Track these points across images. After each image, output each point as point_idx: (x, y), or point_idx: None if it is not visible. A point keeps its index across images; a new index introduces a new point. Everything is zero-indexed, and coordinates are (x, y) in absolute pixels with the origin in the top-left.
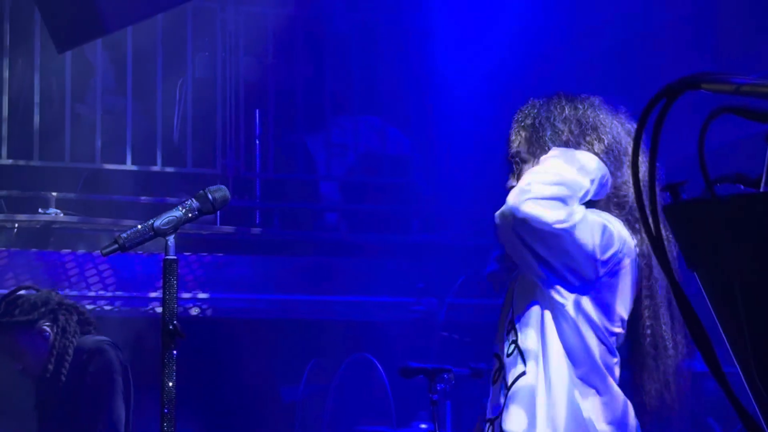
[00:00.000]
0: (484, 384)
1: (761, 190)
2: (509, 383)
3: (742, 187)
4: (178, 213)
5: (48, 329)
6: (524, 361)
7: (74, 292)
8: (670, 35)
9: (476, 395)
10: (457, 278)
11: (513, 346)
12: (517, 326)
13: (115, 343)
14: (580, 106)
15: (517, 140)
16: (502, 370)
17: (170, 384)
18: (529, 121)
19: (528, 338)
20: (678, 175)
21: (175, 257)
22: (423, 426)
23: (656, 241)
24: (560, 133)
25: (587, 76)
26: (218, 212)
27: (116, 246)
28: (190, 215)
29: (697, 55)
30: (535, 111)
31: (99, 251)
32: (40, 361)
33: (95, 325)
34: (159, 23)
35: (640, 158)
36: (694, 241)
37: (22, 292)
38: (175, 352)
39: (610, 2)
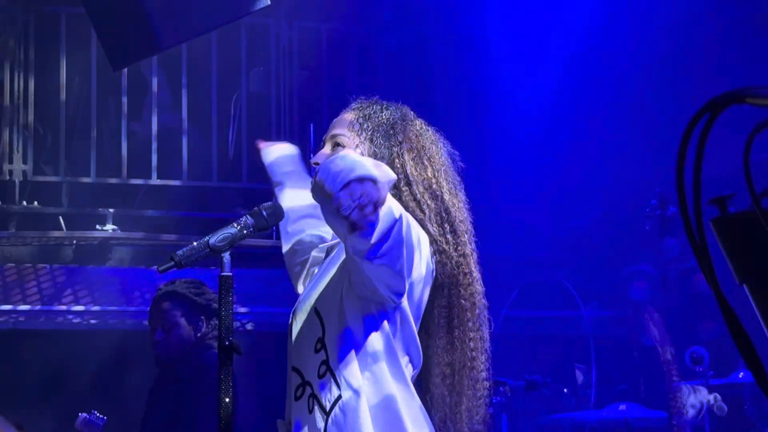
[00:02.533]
0: (540, 396)
1: None
2: (327, 408)
3: None
4: (233, 230)
5: (203, 324)
6: (338, 385)
7: (132, 308)
8: (728, 40)
9: (532, 407)
10: (512, 290)
11: (324, 367)
12: (328, 346)
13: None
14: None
15: (345, 122)
16: (309, 389)
17: (227, 400)
18: (369, 114)
19: (339, 357)
20: (723, 189)
21: (230, 274)
22: None
23: (702, 254)
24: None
25: (645, 86)
26: (275, 227)
27: (173, 263)
28: (245, 232)
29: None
30: (385, 112)
31: (156, 268)
32: (178, 343)
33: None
34: (213, 39)
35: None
36: (742, 254)
37: None
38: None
39: (667, 10)
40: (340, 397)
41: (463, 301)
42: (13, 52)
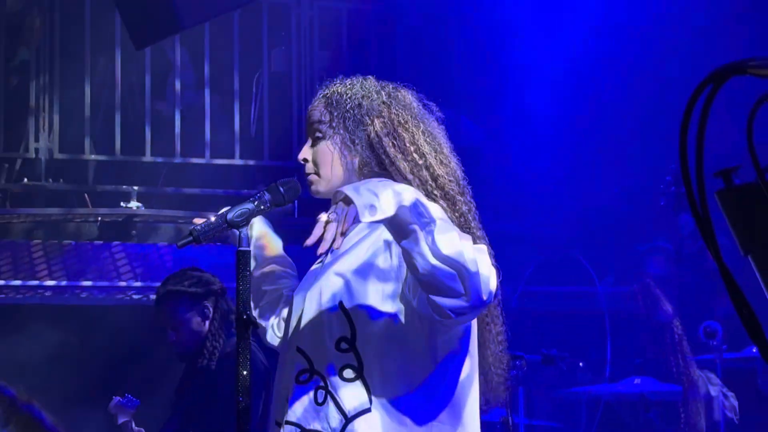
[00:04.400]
0: (556, 370)
1: None
2: (348, 414)
3: None
4: (250, 205)
5: (210, 308)
6: (369, 397)
7: (156, 283)
8: (748, 19)
9: (548, 381)
10: (528, 266)
11: (353, 373)
12: (362, 354)
13: (258, 345)
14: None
15: (318, 112)
16: (320, 380)
17: (244, 373)
18: (337, 100)
19: (380, 373)
20: (730, 162)
21: (248, 249)
22: (500, 411)
23: (704, 225)
24: (367, 125)
25: (659, 66)
26: (296, 204)
27: (191, 239)
28: (262, 207)
29: None
30: (350, 92)
31: (176, 244)
32: (193, 338)
33: None
34: (235, 19)
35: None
36: (747, 225)
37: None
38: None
39: None
40: (368, 410)
41: None
42: (39, 33)
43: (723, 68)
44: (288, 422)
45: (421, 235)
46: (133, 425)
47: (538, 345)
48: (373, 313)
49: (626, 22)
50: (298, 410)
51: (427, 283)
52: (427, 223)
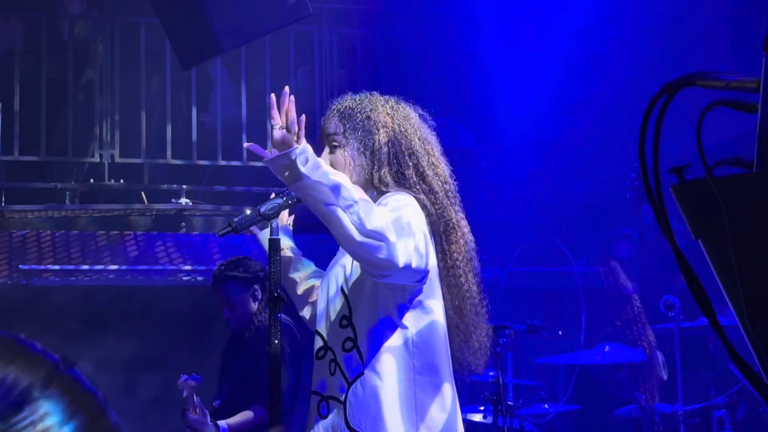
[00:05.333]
0: (539, 338)
1: (754, 171)
2: (350, 379)
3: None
4: (279, 201)
5: (259, 291)
6: (363, 362)
7: (201, 267)
8: (700, 42)
9: (531, 347)
10: (515, 250)
11: (351, 344)
12: (357, 326)
13: (293, 321)
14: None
15: (333, 124)
16: (331, 354)
17: (276, 341)
18: (349, 113)
19: (368, 340)
20: (682, 161)
21: (278, 237)
22: (491, 373)
23: (660, 214)
24: (374, 135)
25: (626, 84)
26: None
27: (230, 228)
28: (290, 202)
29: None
30: (360, 107)
31: (216, 232)
32: (245, 315)
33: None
34: (267, 43)
35: None
36: (697, 214)
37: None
38: (279, 315)
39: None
40: (362, 373)
41: (452, 245)
42: (102, 55)
43: (676, 81)
44: (315, 392)
45: (344, 216)
46: (195, 397)
47: (524, 316)
48: (361, 291)
49: (598, 44)
50: (319, 382)
51: (355, 254)
52: (350, 205)
